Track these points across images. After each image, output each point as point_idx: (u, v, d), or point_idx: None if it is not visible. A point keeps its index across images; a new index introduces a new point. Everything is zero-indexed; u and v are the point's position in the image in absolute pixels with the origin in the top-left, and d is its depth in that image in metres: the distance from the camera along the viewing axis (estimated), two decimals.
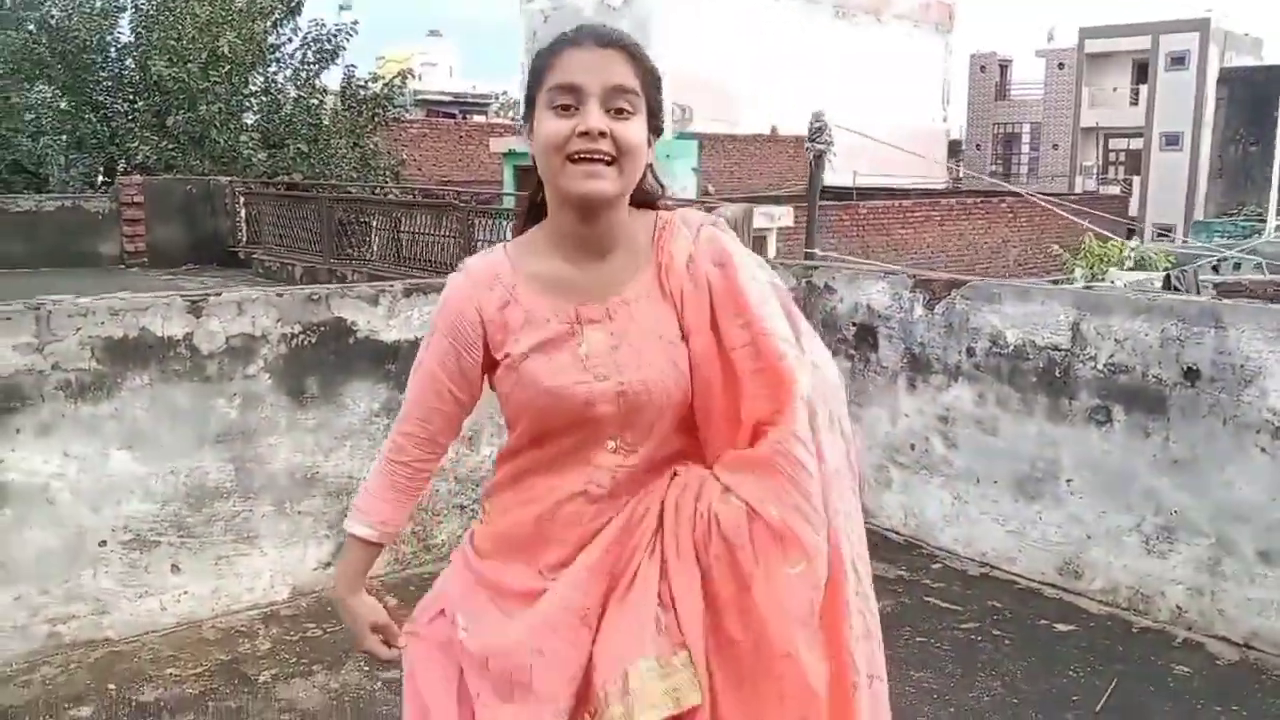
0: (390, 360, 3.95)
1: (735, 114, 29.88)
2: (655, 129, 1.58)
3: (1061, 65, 45.92)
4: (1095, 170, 41.99)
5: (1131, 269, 12.83)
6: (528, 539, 1.65)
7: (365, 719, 3.04)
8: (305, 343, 3.76)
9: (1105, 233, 15.55)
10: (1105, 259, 13.66)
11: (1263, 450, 3.41)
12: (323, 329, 3.79)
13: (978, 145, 50.77)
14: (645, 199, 1.64)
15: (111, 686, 3.19)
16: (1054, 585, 3.96)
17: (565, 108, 1.50)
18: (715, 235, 1.63)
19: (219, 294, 3.62)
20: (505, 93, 44.14)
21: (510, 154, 18.11)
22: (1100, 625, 3.68)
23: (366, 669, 3.30)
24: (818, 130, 7.05)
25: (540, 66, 1.55)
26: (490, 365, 1.64)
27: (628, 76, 1.51)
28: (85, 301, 3.37)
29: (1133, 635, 3.62)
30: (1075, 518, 3.89)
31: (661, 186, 1.68)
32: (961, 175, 38.10)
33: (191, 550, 3.58)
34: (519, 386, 1.60)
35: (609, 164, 1.49)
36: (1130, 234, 22.09)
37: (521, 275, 1.60)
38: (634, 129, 1.51)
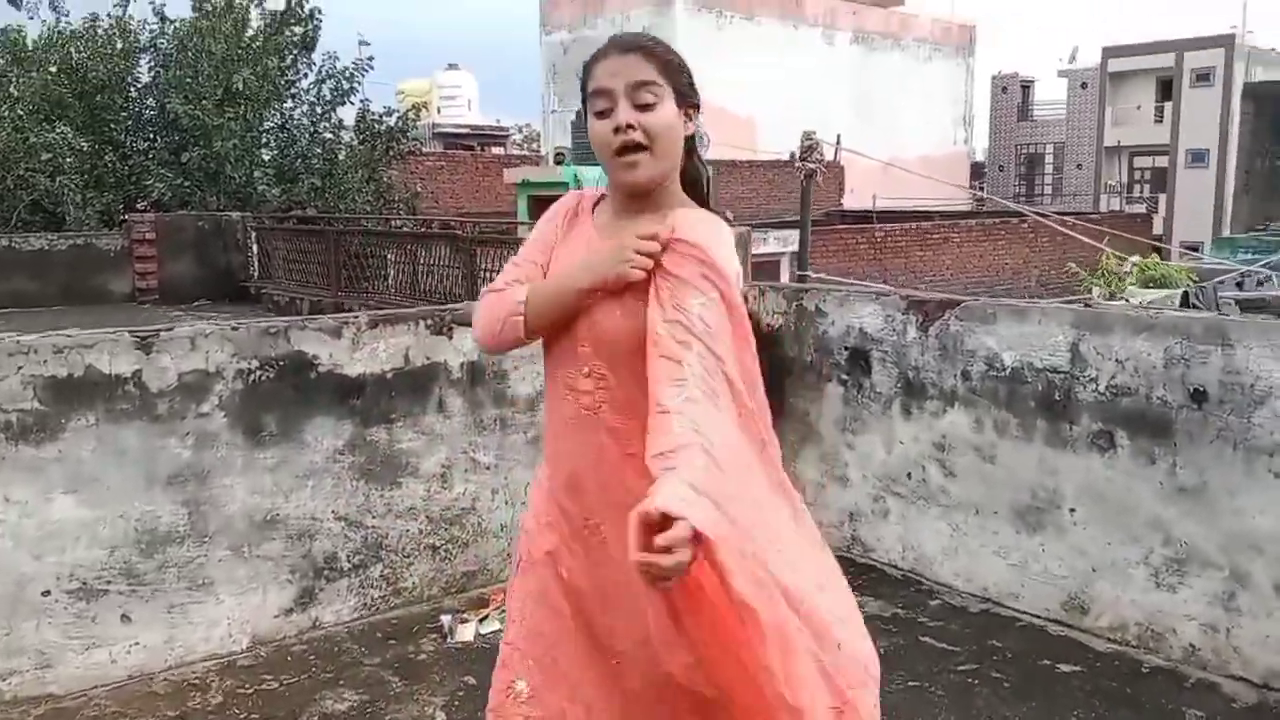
0: (355, 395, 3.78)
1: (755, 140, 29.74)
2: (691, 105, 1.87)
3: (1084, 85, 45.58)
4: (1120, 189, 41.52)
5: (1152, 286, 12.53)
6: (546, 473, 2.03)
7: None
8: (263, 378, 3.60)
9: (1132, 251, 15.24)
10: (1122, 277, 13.37)
11: (1276, 476, 3.17)
12: (282, 363, 3.64)
13: (1001, 166, 50.43)
14: (694, 189, 1.93)
15: None
16: (1059, 622, 3.72)
17: (603, 112, 1.82)
18: (691, 244, 1.79)
19: (170, 329, 3.47)
20: (529, 125, 44.29)
21: (524, 184, 18.07)
22: (1107, 665, 3.44)
23: None
24: (808, 149, 6.88)
25: (583, 80, 1.87)
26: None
27: (646, 72, 1.81)
28: (28, 339, 3.23)
29: (1142, 676, 3.37)
30: (1079, 550, 3.66)
31: (703, 166, 1.95)
32: (984, 198, 37.79)
33: (143, 599, 3.41)
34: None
35: (644, 150, 1.80)
36: (1157, 251, 21.73)
37: (591, 214, 1.98)
38: (660, 115, 1.81)
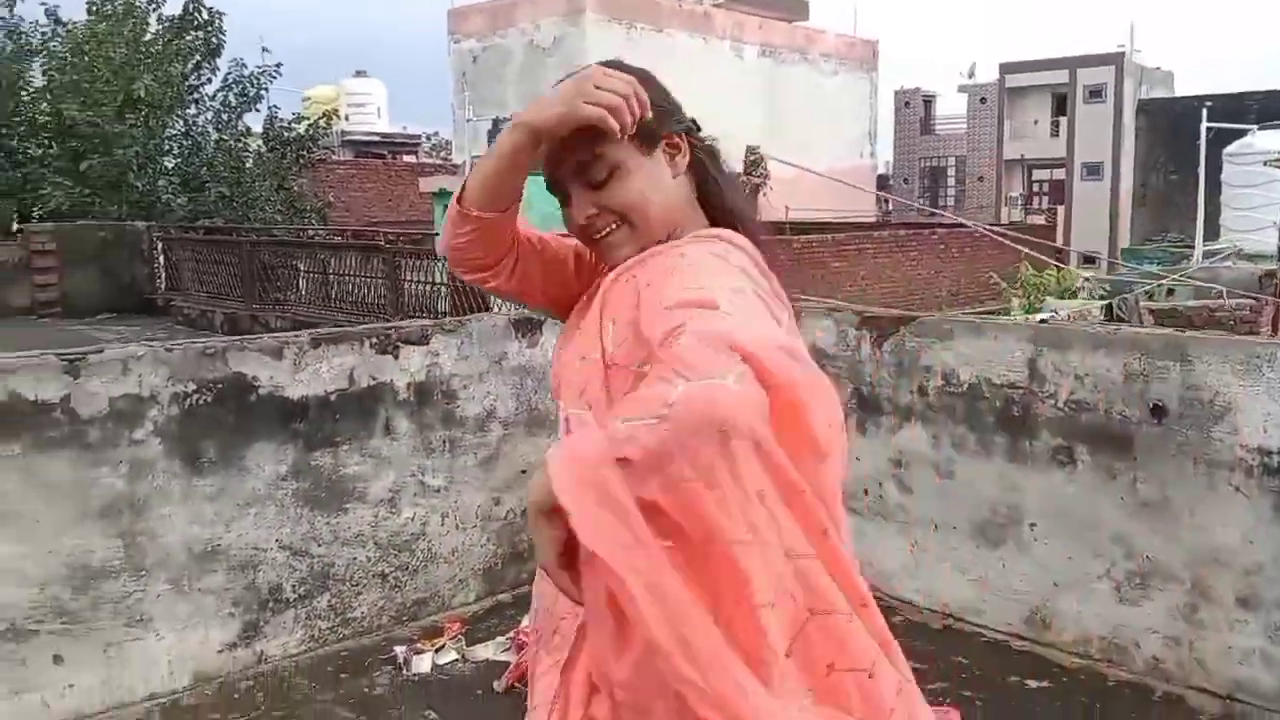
0: (298, 418, 3.61)
1: None
2: (669, 138, 1.46)
3: (983, 100, 46.84)
4: (1020, 201, 42.73)
5: (1067, 297, 12.89)
6: None
7: None
8: (200, 402, 3.40)
9: (1046, 259, 15.66)
10: (1041, 288, 13.70)
11: (1237, 490, 3.21)
12: (220, 386, 3.44)
13: (905, 180, 51.53)
14: (728, 216, 1.50)
15: None
16: (1022, 637, 3.72)
17: (565, 202, 1.47)
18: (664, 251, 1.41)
19: (100, 351, 3.26)
20: (436, 133, 43.77)
21: (441, 193, 17.76)
22: (1074, 681, 3.45)
23: None
24: (753, 164, 6.86)
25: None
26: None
27: (584, 148, 1.40)
28: None
29: (1108, 690, 3.38)
30: (1041, 565, 3.67)
31: (725, 187, 1.52)
32: (891, 209, 38.54)
33: (76, 638, 3.19)
34: None
35: (621, 226, 1.44)
36: (1066, 262, 22.40)
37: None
38: (618, 188, 1.42)
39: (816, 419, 1.17)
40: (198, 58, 18.55)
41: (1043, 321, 3.42)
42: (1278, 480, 3.13)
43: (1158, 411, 3.35)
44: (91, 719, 3.20)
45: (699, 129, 1.54)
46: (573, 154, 1.41)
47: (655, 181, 1.45)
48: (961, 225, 20.20)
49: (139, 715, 3.24)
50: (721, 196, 1.51)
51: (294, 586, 3.63)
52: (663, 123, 1.45)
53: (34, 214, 16.45)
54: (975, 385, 3.79)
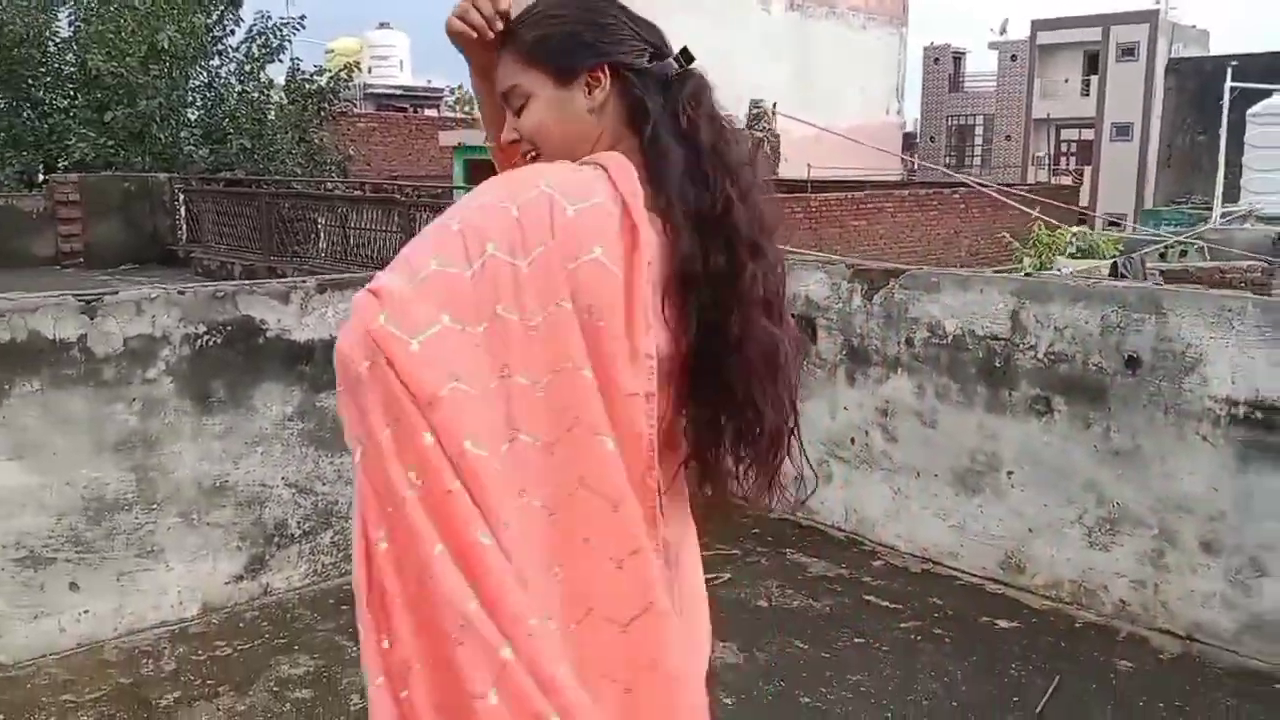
0: (304, 361, 3.76)
1: None
2: (589, 70, 1.40)
3: (1014, 57, 46.27)
4: (1047, 161, 42.30)
5: (1080, 257, 12.88)
6: None
7: None
8: (210, 343, 3.56)
9: (1053, 221, 15.61)
10: (1053, 248, 13.69)
11: (1204, 439, 3.32)
12: (229, 328, 3.60)
13: (932, 138, 51.07)
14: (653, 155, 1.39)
15: (0, 717, 2.99)
16: (996, 580, 3.85)
17: None
18: None
19: (115, 293, 3.41)
20: (460, 85, 43.68)
21: (461, 147, 17.87)
22: (1043, 621, 3.58)
23: (276, 690, 3.13)
24: (755, 118, 6.90)
25: None
26: None
27: (510, 75, 1.46)
28: None
29: (1075, 631, 3.52)
30: (1017, 511, 3.79)
31: (659, 131, 1.39)
32: (916, 167, 38.26)
33: (91, 566, 3.37)
34: None
35: (538, 157, 1.45)
36: (1081, 222, 22.25)
37: None
38: (526, 117, 1.45)
39: (397, 360, 1.19)
40: (221, 8, 18.62)
41: (1028, 275, 3.50)
42: (1242, 430, 3.24)
43: (1132, 363, 3.45)
44: (104, 644, 3.39)
45: (666, 61, 1.44)
46: (503, 80, 1.46)
47: (561, 112, 1.43)
48: (965, 185, 20.08)
49: (150, 642, 3.43)
50: (645, 131, 1.41)
51: (299, 523, 3.80)
52: (580, 55, 1.42)
53: (59, 165, 16.66)
54: (960, 337, 3.89)
